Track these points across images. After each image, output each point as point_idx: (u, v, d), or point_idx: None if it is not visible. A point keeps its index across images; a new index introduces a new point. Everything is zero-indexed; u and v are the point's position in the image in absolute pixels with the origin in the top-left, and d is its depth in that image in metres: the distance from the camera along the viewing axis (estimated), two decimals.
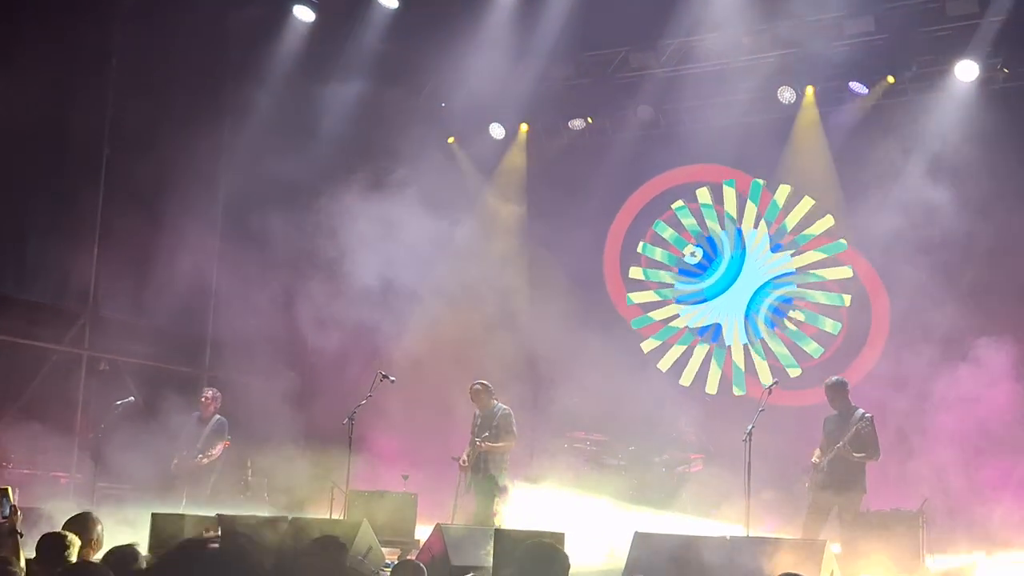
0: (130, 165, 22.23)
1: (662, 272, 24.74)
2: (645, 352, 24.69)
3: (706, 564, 13.90)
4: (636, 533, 15.35)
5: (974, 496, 18.98)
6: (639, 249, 24.85)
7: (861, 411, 16.94)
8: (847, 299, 22.95)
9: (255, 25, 23.57)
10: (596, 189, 24.37)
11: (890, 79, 21.82)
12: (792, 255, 23.47)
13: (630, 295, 24.91)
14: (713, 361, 24.29)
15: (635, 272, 24.94)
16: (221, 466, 20.19)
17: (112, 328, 22.18)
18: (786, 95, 22.57)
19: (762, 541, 15.14)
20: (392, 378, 18.34)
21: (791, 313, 23.62)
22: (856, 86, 22.14)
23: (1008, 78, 20.98)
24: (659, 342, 24.72)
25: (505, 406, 18.57)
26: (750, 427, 16.43)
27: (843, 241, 22.84)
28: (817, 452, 17.00)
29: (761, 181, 23.55)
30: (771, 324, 23.88)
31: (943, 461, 19.10)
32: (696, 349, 24.41)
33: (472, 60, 23.78)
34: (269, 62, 23.43)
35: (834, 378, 17.66)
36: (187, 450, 19.78)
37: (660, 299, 24.73)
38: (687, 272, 24.50)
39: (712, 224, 24.22)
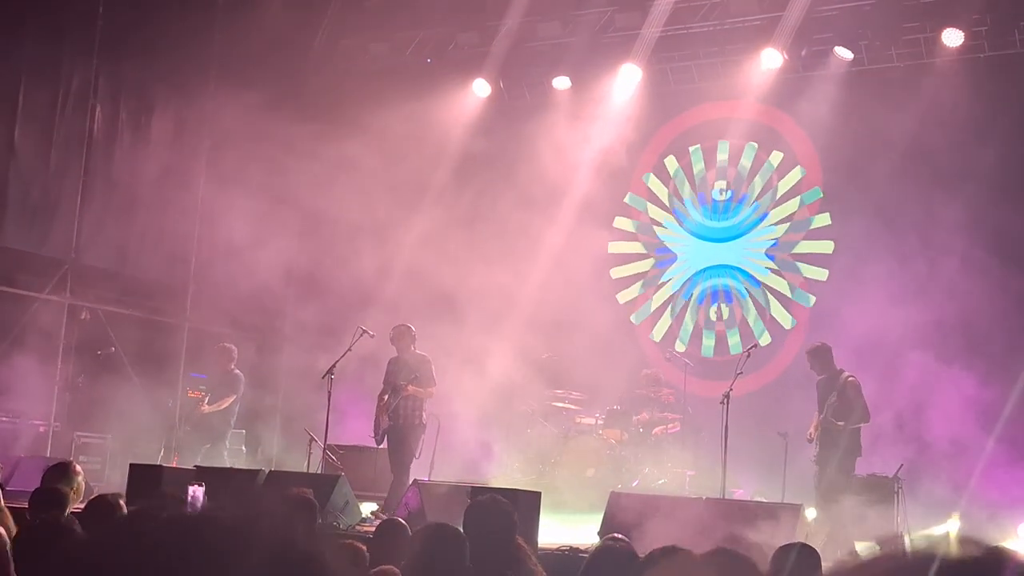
0: (117, 113, 22.24)
1: (680, 202, 24.85)
2: (609, 251, 25.04)
3: (681, 525, 14.00)
4: (612, 493, 15.44)
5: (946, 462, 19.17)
6: (670, 170, 24.97)
7: (845, 374, 17.05)
8: (792, 322, 23.06)
9: None
10: (580, 148, 24.35)
11: (876, 44, 21.83)
12: (775, 260, 23.59)
13: (649, 205, 25.09)
14: (649, 300, 24.79)
15: (657, 185, 25.04)
16: (235, 420, 20.36)
17: (94, 277, 22.19)
18: (772, 58, 22.55)
19: (737, 504, 15.26)
20: (372, 333, 18.33)
21: (730, 305, 23.83)
22: (841, 51, 22.12)
23: (994, 46, 20.99)
24: (643, 251, 25.09)
25: (424, 352, 18.09)
26: (728, 390, 16.54)
27: (825, 271, 22.88)
28: (813, 422, 17.14)
29: (802, 169, 23.50)
30: (700, 300, 24.14)
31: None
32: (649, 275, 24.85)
33: (458, 17, 23.77)
34: (258, 15, 23.35)
35: (814, 343, 17.77)
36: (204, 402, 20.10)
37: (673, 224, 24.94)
38: (703, 202, 24.56)
39: (744, 167, 24.23)
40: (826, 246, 22.92)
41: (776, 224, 23.55)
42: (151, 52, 22.24)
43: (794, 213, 23.39)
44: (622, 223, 25.02)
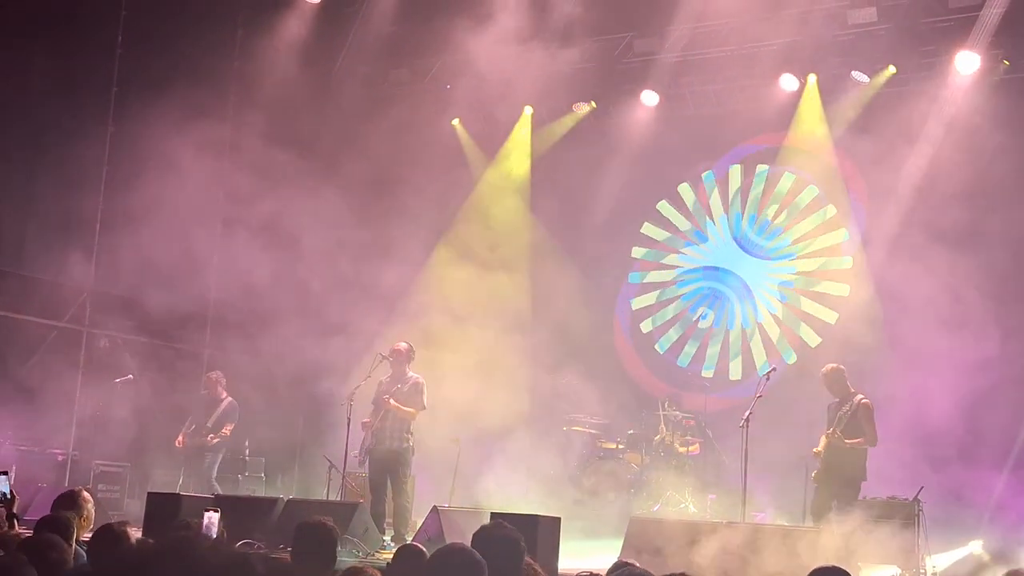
0: (134, 144, 22.25)
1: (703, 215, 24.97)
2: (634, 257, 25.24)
3: (702, 550, 13.94)
4: (632, 517, 15.39)
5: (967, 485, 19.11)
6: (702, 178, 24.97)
7: (859, 397, 16.98)
8: (817, 341, 23.00)
9: (263, 5, 23.65)
10: (599, 171, 24.39)
11: (892, 69, 21.82)
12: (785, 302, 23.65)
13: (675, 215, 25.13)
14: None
15: (685, 191, 25.05)
16: (224, 448, 20.24)
17: (113, 305, 22.19)
18: (788, 83, 22.56)
19: (758, 528, 15.19)
20: (392, 359, 18.14)
21: (759, 324, 23.94)
22: (858, 75, 22.12)
23: (1009, 70, 20.96)
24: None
25: (418, 375, 17.62)
26: (747, 413, 16.48)
27: (847, 286, 22.84)
28: (822, 440, 17.08)
29: (833, 207, 23.43)
30: (689, 297, 24.29)
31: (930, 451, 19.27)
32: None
33: (478, 42, 23.80)
34: (276, 43, 23.44)
35: (829, 365, 17.69)
36: (196, 429, 19.90)
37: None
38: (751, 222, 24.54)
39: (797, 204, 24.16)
40: (830, 315, 22.92)
41: (798, 273, 23.58)
42: (170, 80, 22.24)
43: (817, 271, 23.42)
44: (639, 252, 25.11)
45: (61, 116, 21.27)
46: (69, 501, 10.17)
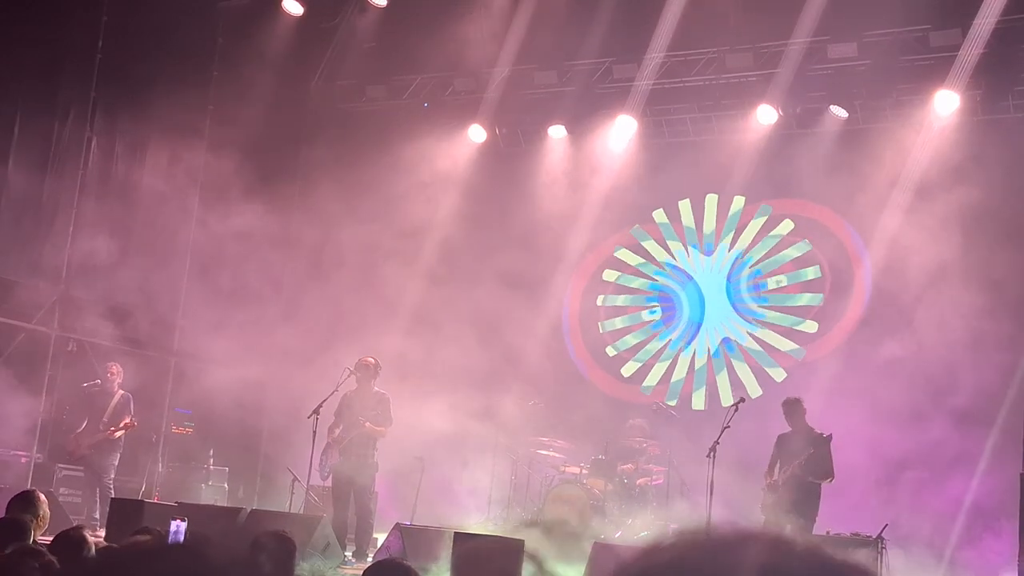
0: (113, 147, 22.20)
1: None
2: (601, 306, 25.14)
3: None
4: (595, 543, 15.37)
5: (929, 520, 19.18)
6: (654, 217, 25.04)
7: (819, 432, 16.99)
8: (783, 375, 23.06)
9: (243, 15, 23.63)
10: (572, 196, 24.39)
11: (871, 104, 21.89)
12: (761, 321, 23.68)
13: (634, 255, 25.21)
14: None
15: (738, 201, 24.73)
16: (123, 445, 19.99)
17: (82, 309, 22.06)
18: (766, 114, 22.60)
19: None
20: (359, 374, 18.13)
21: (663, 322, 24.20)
22: (836, 109, 22.19)
23: (988, 110, 21.05)
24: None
25: (383, 391, 17.83)
26: (714, 443, 16.48)
27: (814, 323, 22.95)
28: (769, 471, 17.07)
29: (807, 242, 23.51)
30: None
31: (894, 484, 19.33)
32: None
33: (456, 62, 23.82)
34: (256, 54, 23.40)
35: (791, 396, 17.77)
36: (90, 423, 19.67)
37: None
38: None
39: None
40: (779, 373, 23.02)
41: (743, 347, 23.69)
42: (149, 87, 22.23)
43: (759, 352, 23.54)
44: (660, 216, 25.06)
45: (39, 117, 21.19)
46: (24, 502, 10.14)
